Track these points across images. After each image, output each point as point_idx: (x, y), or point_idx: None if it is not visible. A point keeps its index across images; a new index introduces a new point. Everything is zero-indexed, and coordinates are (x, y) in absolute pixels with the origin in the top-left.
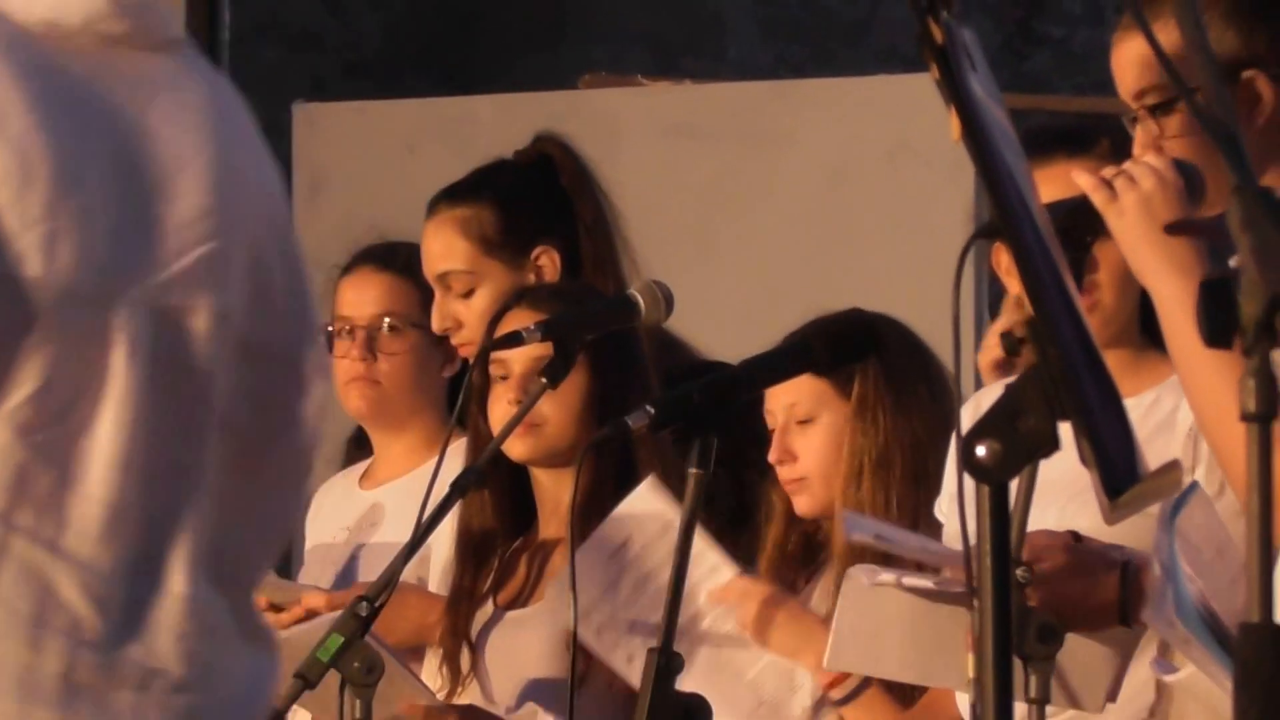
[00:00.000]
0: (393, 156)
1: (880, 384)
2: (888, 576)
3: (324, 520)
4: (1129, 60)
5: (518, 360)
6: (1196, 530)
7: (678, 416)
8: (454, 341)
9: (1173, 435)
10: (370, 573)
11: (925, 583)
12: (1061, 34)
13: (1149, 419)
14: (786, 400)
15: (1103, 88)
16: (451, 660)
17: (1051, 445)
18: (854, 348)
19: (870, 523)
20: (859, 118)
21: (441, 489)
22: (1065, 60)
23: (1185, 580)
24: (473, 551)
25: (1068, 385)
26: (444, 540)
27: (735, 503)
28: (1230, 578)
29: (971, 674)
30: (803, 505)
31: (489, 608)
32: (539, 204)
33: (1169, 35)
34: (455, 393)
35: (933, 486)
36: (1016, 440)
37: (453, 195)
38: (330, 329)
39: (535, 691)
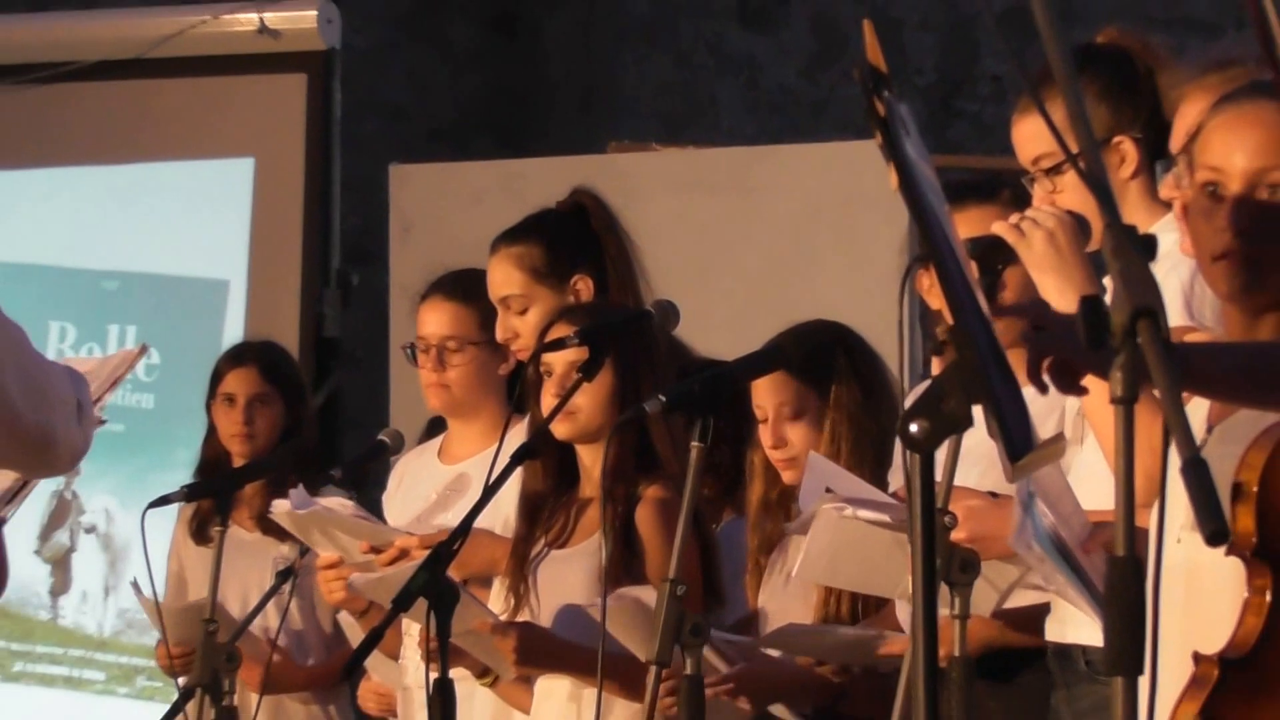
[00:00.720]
0: (464, 206)
1: (853, 387)
2: (850, 511)
3: (409, 488)
4: (1026, 135)
5: (560, 361)
6: (1048, 478)
7: (683, 403)
8: (513, 348)
9: (1058, 415)
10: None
11: (879, 516)
12: (975, 109)
13: (1040, 402)
14: (776, 400)
15: (1005, 151)
16: (514, 588)
17: (967, 423)
18: (816, 349)
19: (831, 467)
20: (821, 174)
21: (504, 461)
22: (977, 129)
23: (1040, 515)
24: (530, 506)
25: (979, 377)
26: (507, 498)
27: (730, 466)
28: (1070, 513)
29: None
30: (791, 477)
31: (540, 547)
32: (576, 243)
33: (1056, 113)
34: (515, 386)
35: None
36: (941, 419)
37: (510, 236)
38: (414, 344)
39: (573, 611)
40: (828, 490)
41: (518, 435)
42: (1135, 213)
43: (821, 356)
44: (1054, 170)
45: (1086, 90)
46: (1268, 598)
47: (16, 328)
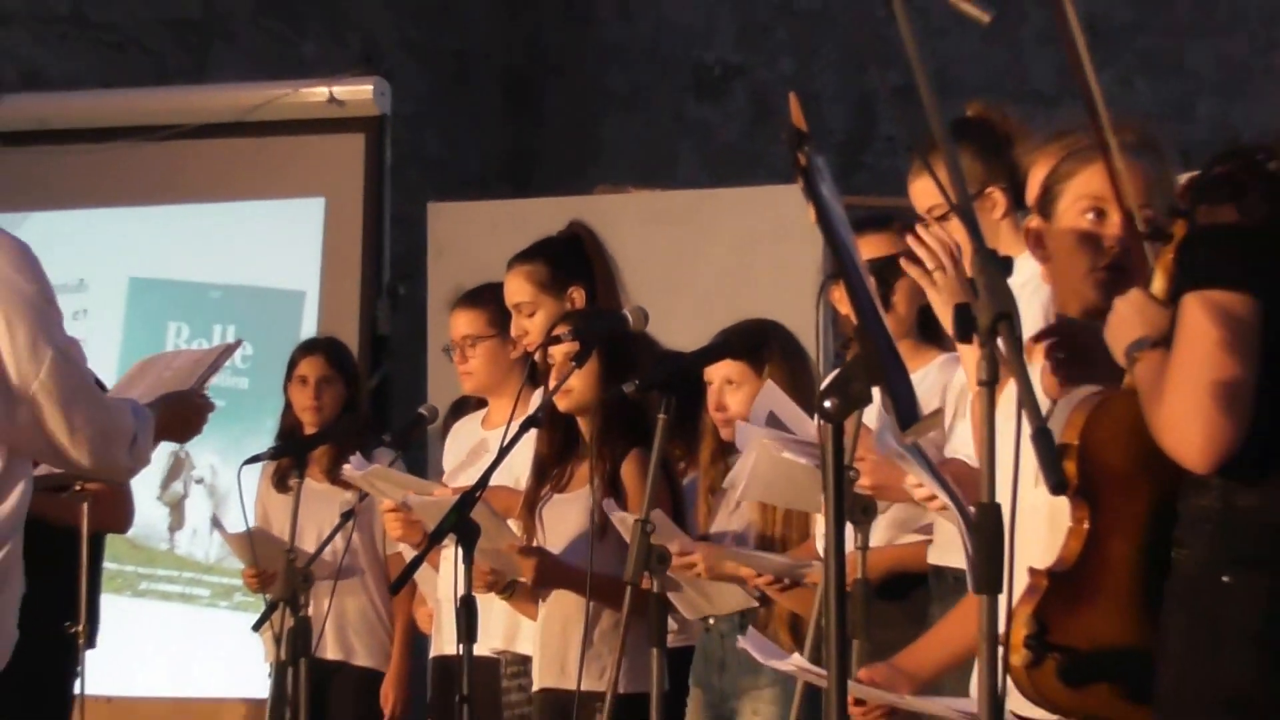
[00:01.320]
0: (484, 235)
1: (782, 366)
2: (781, 450)
3: (458, 446)
4: (919, 190)
5: (559, 353)
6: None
7: (652, 384)
8: (524, 343)
9: (938, 394)
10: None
11: (801, 459)
12: (873, 162)
13: (924, 383)
14: (721, 375)
15: (897, 194)
16: (527, 526)
17: (868, 400)
18: (754, 339)
19: (778, 394)
20: (758, 211)
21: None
22: (875, 177)
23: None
24: (540, 462)
25: (877, 365)
26: (520, 460)
27: (689, 428)
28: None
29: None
30: (727, 434)
31: (546, 492)
32: (572, 262)
33: (941, 171)
34: (534, 370)
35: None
36: (848, 397)
37: (521, 257)
38: (451, 344)
39: (576, 544)
40: (770, 414)
41: (533, 407)
42: (1007, 246)
43: (758, 343)
44: (943, 217)
45: (963, 152)
46: (1085, 525)
47: (87, 379)
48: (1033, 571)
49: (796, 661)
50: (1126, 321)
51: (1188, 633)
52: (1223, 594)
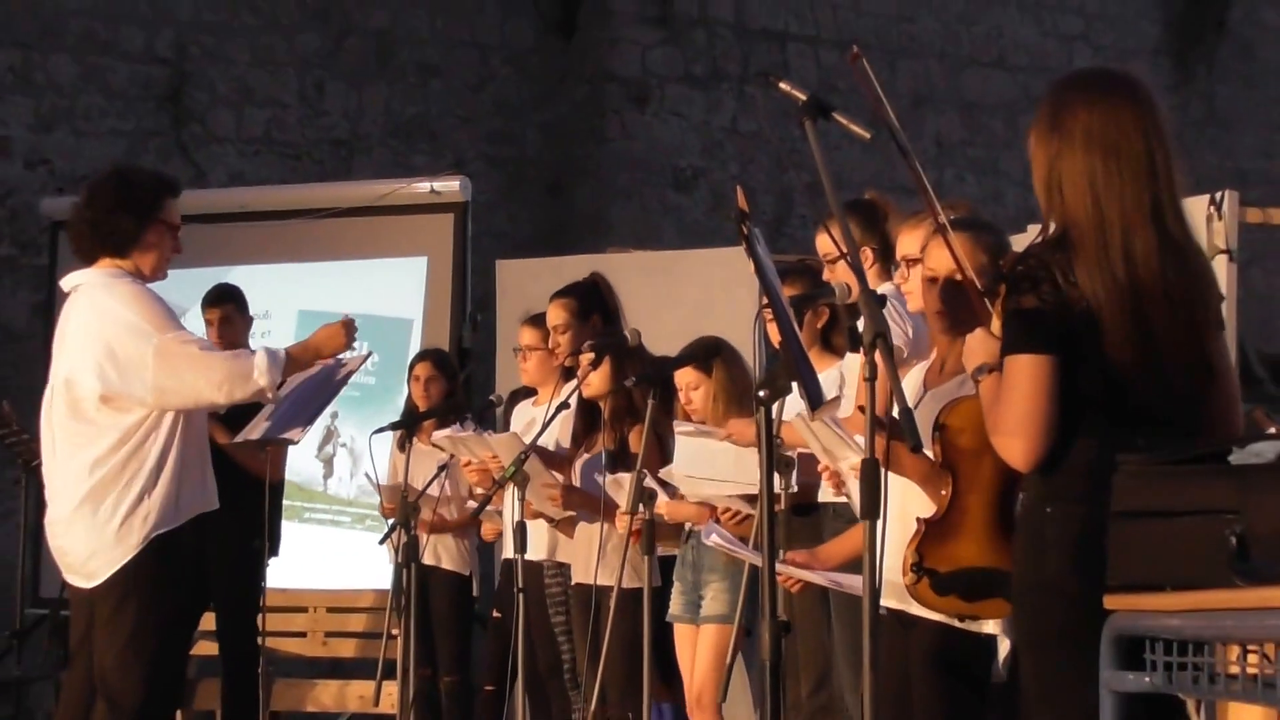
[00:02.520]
0: (534, 281)
1: (726, 371)
2: (695, 432)
3: (517, 421)
4: (821, 244)
5: (583, 360)
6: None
7: (644, 381)
8: (558, 352)
9: (838, 383)
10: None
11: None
12: (792, 232)
13: (826, 380)
14: (686, 381)
15: (808, 253)
16: (566, 475)
17: (789, 390)
18: (706, 351)
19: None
20: (716, 266)
21: (552, 410)
22: (795, 242)
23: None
24: (574, 434)
25: (793, 367)
26: (556, 427)
27: (665, 412)
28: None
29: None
30: (695, 417)
31: (579, 453)
32: (593, 299)
33: (837, 230)
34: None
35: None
36: (775, 388)
37: (559, 294)
38: (518, 349)
39: (593, 486)
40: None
41: (564, 396)
42: (877, 285)
43: (709, 354)
44: (834, 260)
45: (854, 222)
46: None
47: (190, 354)
48: (918, 520)
49: (748, 552)
50: (973, 351)
51: (1026, 545)
52: (1046, 519)
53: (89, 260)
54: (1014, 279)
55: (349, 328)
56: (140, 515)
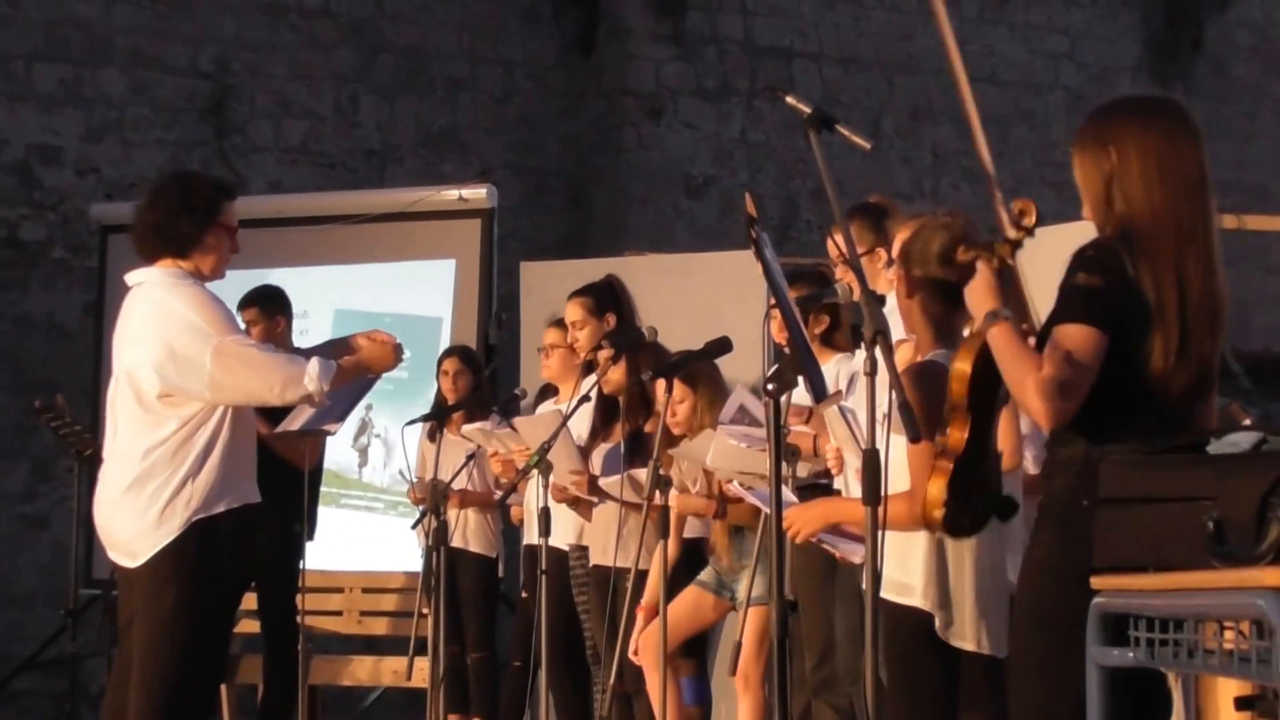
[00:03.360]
0: (555, 282)
1: (711, 389)
2: (728, 436)
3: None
4: (832, 247)
5: (602, 356)
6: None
7: (659, 375)
8: (577, 348)
9: (837, 380)
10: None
11: (742, 442)
12: (798, 236)
13: (829, 374)
14: (674, 397)
15: (814, 256)
16: (587, 463)
17: (795, 384)
18: (715, 351)
19: (722, 429)
20: (726, 267)
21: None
22: (800, 246)
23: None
24: (593, 425)
25: (799, 363)
26: (578, 423)
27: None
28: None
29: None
30: (678, 431)
31: (597, 443)
32: (609, 298)
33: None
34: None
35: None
36: (782, 382)
37: (577, 293)
38: (542, 347)
39: (612, 473)
40: (741, 406)
41: (584, 389)
42: (884, 287)
43: (712, 351)
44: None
45: (866, 225)
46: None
47: (248, 357)
48: (940, 460)
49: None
50: (979, 293)
51: (1057, 534)
52: (1082, 512)
53: (150, 260)
54: (1083, 259)
55: (398, 350)
56: (183, 499)
